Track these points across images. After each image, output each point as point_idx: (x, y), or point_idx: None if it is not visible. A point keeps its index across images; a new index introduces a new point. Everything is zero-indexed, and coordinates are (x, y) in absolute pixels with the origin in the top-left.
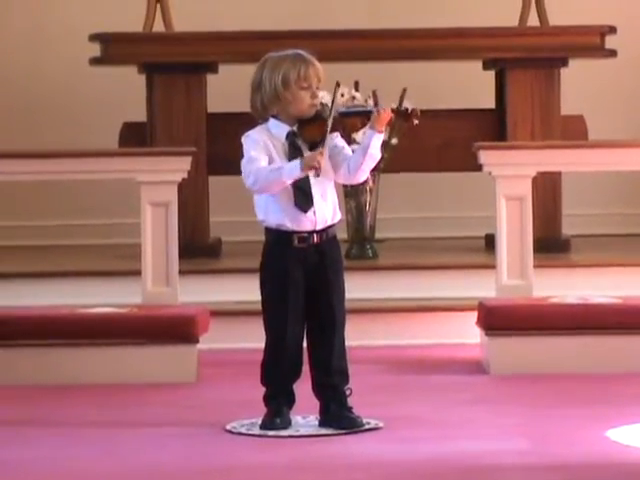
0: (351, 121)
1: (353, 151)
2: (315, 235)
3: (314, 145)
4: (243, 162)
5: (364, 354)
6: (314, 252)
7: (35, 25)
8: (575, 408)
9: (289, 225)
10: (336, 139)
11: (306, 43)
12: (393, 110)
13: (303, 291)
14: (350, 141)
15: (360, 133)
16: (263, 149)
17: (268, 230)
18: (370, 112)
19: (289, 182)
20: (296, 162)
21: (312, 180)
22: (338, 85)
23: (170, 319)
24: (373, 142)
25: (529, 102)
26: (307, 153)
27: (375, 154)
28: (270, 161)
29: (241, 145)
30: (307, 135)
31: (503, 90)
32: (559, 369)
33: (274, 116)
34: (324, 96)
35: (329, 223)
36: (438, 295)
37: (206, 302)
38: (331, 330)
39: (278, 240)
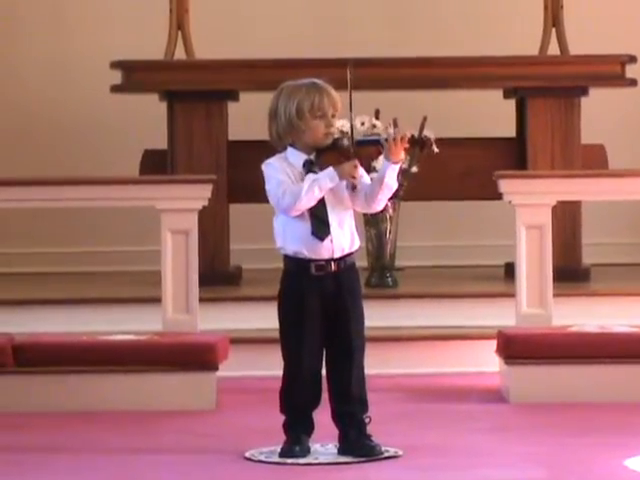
0: (366, 150)
1: (372, 179)
2: (333, 263)
3: None
4: (271, 187)
5: (383, 382)
6: (332, 280)
7: (56, 53)
8: (594, 437)
9: (306, 253)
10: None
11: (326, 71)
12: (402, 139)
13: (321, 319)
14: (370, 169)
15: (380, 160)
16: (285, 174)
17: (286, 258)
18: (379, 141)
19: (325, 190)
20: (330, 170)
21: (329, 208)
22: (350, 71)
23: (190, 346)
24: (388, 173)
25: (549, 131)
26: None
27: (391, 184)
28: None
29: (261, 173)
30: (324, 164)
31: (524, 119)
32: (578, 398)
33: (291, 145)
34: (345, 124)
35: (347, 251)
36: (457, 323)
37: (226, 330)
38: (349, 358)
39: (296, 268)
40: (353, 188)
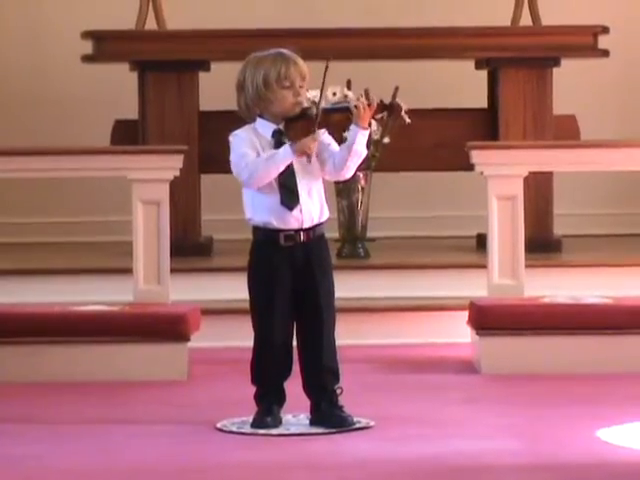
0: (335, 117)
1: (341, 147)
2: (302, 233)
3: None
4: (234, 159)
5: (355, 353)
6: (301, 251)
7: (27, 23)
8: (566, 408)
9: (275, 223)
10: (323, 136)
11: (297, 41)
12: (370, 104)
13: (290, 290)
14: (342, 140)
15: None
16: (251, 146)
17: (255, 228)
18: (347, 108)
19: (282, 167)
20: (286, 147)
21: (298, 178)
22: (328, 65)
23: (161, 317)
24: (357, 139)
25: (521, 102)
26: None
27: (360, 150)
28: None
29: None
30: (293, 133)
31: (495, 90)
32: (550, 369)
33: (260, 115)
34: (316, 95)
35: (316, 222)
36: (429, 294)
37: (197, 300)
38: (319, 330)
39: (265, 238)
40: (308, 161)
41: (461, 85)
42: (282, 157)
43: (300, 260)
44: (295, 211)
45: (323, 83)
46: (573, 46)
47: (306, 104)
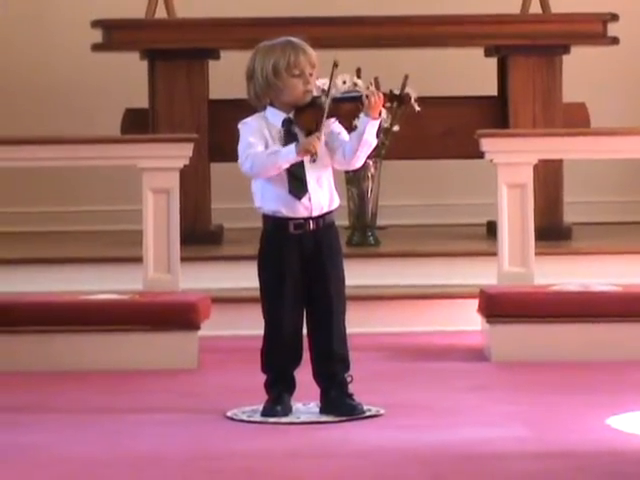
0: (345, 107)
1: (351, 136)
2: (311, 222)
3: (310, 132)
4: (240, 147)
5: (365, 341)
6: (311, 239)
7: (36, 12)
8: (576, 395)
9: (284, 212)
10: (333, 125)
11: (307, 30)
12: (385, 94)
13: (301, 278)
14: (352, 128)
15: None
16: (260, 136)
17: (265, 217)
18: (359, 98)
19: (285, 166)
20: (291, 146)
21: (307, 166)
22: (336, 65)
23: (171, 306)
24: (367, 128)
25: (531, 89)
26: (303, 139)
27: (370, 140)
28: (266, 148)
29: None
30: (302, 122)
31: (505, 77)
32: (560, 357)
33: (271, 104)
34: (326, 83)
35: (325, 210)
36: (439, 282)
37: (207, 289)
38: (329, 318)
39: (274, 227)
40: (313, 161)
41: (471, 73)
42: (284, 156)
43: (310, 248)
44: (304, 200)
45: (330, 80)
46: (583, 34)
47: (316, 92)
